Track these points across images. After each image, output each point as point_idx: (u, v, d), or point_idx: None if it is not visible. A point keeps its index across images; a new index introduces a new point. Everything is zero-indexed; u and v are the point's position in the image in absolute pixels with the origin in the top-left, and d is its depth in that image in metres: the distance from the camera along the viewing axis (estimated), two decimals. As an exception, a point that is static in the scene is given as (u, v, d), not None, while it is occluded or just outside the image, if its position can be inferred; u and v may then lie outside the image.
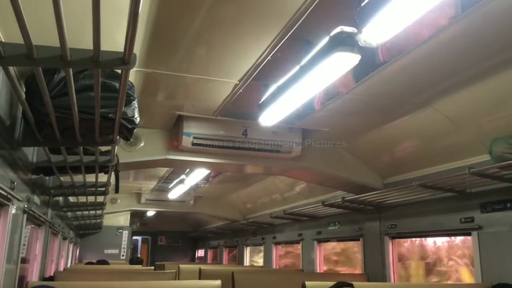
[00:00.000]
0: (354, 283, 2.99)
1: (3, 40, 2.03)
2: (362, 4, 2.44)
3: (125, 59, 1.61)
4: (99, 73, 1.78)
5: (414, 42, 2.97)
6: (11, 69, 1.97)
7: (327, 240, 6.93)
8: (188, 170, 7.54)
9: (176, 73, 3.43)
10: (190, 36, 2.86)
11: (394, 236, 5.29)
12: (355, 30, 2.61)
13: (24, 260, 4.15)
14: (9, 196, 2.58)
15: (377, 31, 2.48)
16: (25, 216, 3.32)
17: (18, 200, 2.84)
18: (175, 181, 8.94)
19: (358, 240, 5.91)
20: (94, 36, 1.46)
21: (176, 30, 2.81)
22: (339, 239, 6.68)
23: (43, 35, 1.63)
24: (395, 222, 5.18)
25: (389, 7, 2.30)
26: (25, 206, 3.23)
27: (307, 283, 3.19)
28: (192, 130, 4.62)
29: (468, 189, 4.14)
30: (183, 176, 8.17)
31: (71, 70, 1.77)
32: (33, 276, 4.53)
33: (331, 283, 3.28)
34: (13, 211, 2.82)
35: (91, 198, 5.52)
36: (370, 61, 3.35)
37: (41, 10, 1.79)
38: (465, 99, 3.63)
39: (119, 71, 2.01)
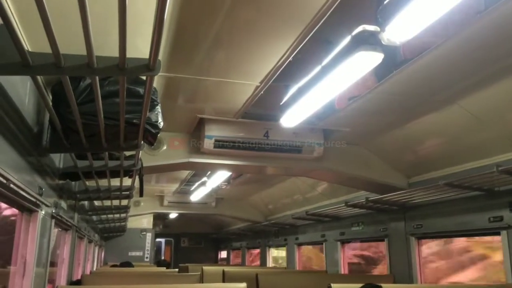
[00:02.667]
0: (382, 285, 2.94)
1: (30, 50, 2.07)
2: (385, 2, 2.40)
3: (150, 65, 1.63)
4: (125, 80, 1.80)
5: (438, 39, 2.91)
6: (39, 77, 2.01)
7: (350, 240, 6.88)
8: (209, 172, 7.58)
9: (197, 77, 3.45)
10: (210, 40, 2.87)
11: (420, 237, 5.20)
12: (378, 29, 2.58)
13: (52, 264, 4.23)
14: (38, 202, 2.63)
15: (401, 29, 2.45)
16: (53, 221, 3.38)
17: (46, 205, 2.90)
18: (196, 184, 9.00)
19: (383, 240, 5.84)
20: (120, 44, 1.48)
21: (196, 34, 2.82)
22: (363, 240, 6.61)
23: (69, 44, 1.66)
24: (421, 222, 5.10)
25: (412, 5, 2.27)
26: (53, 211, 3.29)
27: (333, 285, 3.16)
28: (213, 133, 4.64)
29: (496, 187, 4.04)
30: (204, 179, 8.21)
31: (97, 77, 1.79)
32: (61, 280, 4.61)
33: (357, 285, 3.24)
34: (42, 217, 2.87)
35: (115, 202, 5.61)
36: (393, 60, 3.31)
37: (67, 19, 1.82)
38: (490, 96, 3.55)
39: (143, 77, 2.03)
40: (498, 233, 4.10)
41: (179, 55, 3.10)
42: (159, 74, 3.28)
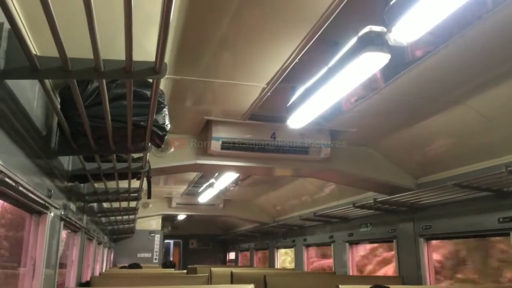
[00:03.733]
0: (390, 286, 2.93)
1: (38, 54, 2.09)
2: (391, 3, 2.40)
3: (156, 68, 1.64)
4: (132, 83, 1.82)
5: (445, 39, 2.89)
6: (47, 81, 2.03)
7: (358, 242, 6.85)
8: (217, 174, 7.59)
9: (204, 79, 3.46)
10: (216, 42, 2.88)
11: (429, 238, 5.17)
12: (384, 29, 2.57)
13: (61, 266, 4.26)
14: (46, 204, 2.65)
15: (407, 30, 2.44)
16: (62, 223, 3.40)
17: (55, 208, 2.92)
18: (204, 185, 9.02)
19: (392, 241, 5.81)
20: (126, 47, 1.49)
21: (203, 36, 2.84)
22: (372, 241, 6.58)
23: (76, 48, 1.68)
24: (430, 223, 5.07)
25: (419, 5, 2.26)
26: (62, 213, 3.32)
27: (342, 286, 3.15)
28: (220, 135, 4.65)
29: (505, 187, 4.00)
30: (212, 180, 8.22)
31: (104, 81, 1.81)
32: (70, 281, 4.64)
33: (366, 286, 3.23)
34: (51, 219, 2.90)
35: (124, 204, 5.63)
36: (400, 60, 3.29)
37: (74, 23, 1.83)
38: (499, 96, 3.52)
39: (150, 79, 2.04)
40: (507, 234, 4.07)
41: (186, 58, 3.12)
42: (166, 76, 3.31)
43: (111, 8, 2.01)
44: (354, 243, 6.93)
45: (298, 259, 9.07)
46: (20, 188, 1.98)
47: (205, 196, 9.59)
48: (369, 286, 3.26)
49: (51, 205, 2.78)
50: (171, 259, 16.53)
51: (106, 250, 9.37)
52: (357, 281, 5.40)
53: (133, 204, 5.80)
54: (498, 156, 4.08)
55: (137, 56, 1.65)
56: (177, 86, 3.56)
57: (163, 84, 3.40)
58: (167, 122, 2.63)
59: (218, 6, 2.51)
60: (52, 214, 2.91)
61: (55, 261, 3.32)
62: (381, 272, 6.65)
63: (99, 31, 1.42)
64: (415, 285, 5.09)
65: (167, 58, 2.99)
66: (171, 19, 1.34)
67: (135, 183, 4.14)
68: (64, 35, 1.45)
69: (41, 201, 2.51)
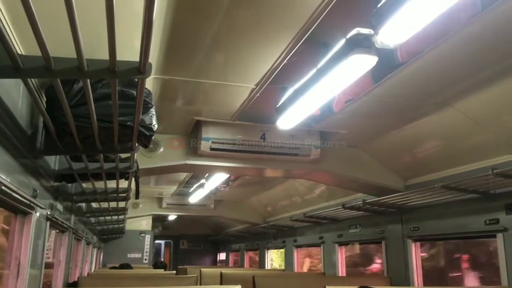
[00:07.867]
0: (378, 287, 2.94)
1: (23, 53, 2.07)
2: (379, 5, 2.41)
3: (140, 68, 1.62)
4: (116, 82, 1.80)
5: (433, 42, 2.91)
6: (31, 80, 2.01)
7: (348, 243, 6.87)
8: (207, 174, 7.58)
9: (194, 79, 3.45)
10: (207, 42, 2.88)
11: (417, 239, 5.20)
12: (372, 32, 2.58)
13: (48, 266, 4.22)
14: (31, 204, 2.63)
15: (394, 32, 2.45)
16: (48, 223, 3.37)
17: (41, 207, 2.89)
18: (195, 186, 9.00)
19: (380, 243, 5.83)
20: (109, 46, 1.48)
21: (193, 37, 2.83)
22: (361, 242, 6.61)
23: (61, 47, 1.66)
24: (418, 224, 5.10)
25: (406, 8, 2.27)
26: (48, 213, 3.29)
27: (329, 287, 3.16)
28: (210, 135, 4.64)
29: (492, 190, 4.04)
30: (203, 181, 8.21)
31: (88, 80, 1.79)
32: (58, 282, 4.60)
33: (353, 287, 3.24)
34: (36, 219, 2.87)
35: (113, 204, 5.59)
36: (389, 62, 3.30)
37: (57, 22, 1.82)
38: (487, 98, 3.55)
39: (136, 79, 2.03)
40: (494, 236, 4.10)
41: (175, 58, 3.11)
42: (156, 76, 3.32)
43: (98, 7, 1.99)
44: (343, 244, 6.95)
45: (288, 260, 9.08)
46: (3, 187, 1.96)
47: (196, 196, 9.57)
48: (356, 286, 3.27)
49: (37, 205, 2.75)
50: (162, 259, 16.46)
51: (95, 251, 9.30)
52: (345, 282, 5.42)
53: (122, 204, 5.77)
54: (485, 158, 4.12)
55: (126, 56, 1.64)
56: (166, 86, 3.55)
57: (152, 84, 3.39)
58: (154, 122, 2.61)
59: (207, 7, 2.50)
60: (37, 214, 2.89)
61: (41, 261, 3.29)
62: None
63: (86, 30, 1.41)
64: (403, 286, 5.12)
65: (156, 58, 3.00)
66: (155, 17, 1.34)
67: (124, 183, 4.11)
68: (49, 34, 1.44)
69: (25, 201, 2.48)
